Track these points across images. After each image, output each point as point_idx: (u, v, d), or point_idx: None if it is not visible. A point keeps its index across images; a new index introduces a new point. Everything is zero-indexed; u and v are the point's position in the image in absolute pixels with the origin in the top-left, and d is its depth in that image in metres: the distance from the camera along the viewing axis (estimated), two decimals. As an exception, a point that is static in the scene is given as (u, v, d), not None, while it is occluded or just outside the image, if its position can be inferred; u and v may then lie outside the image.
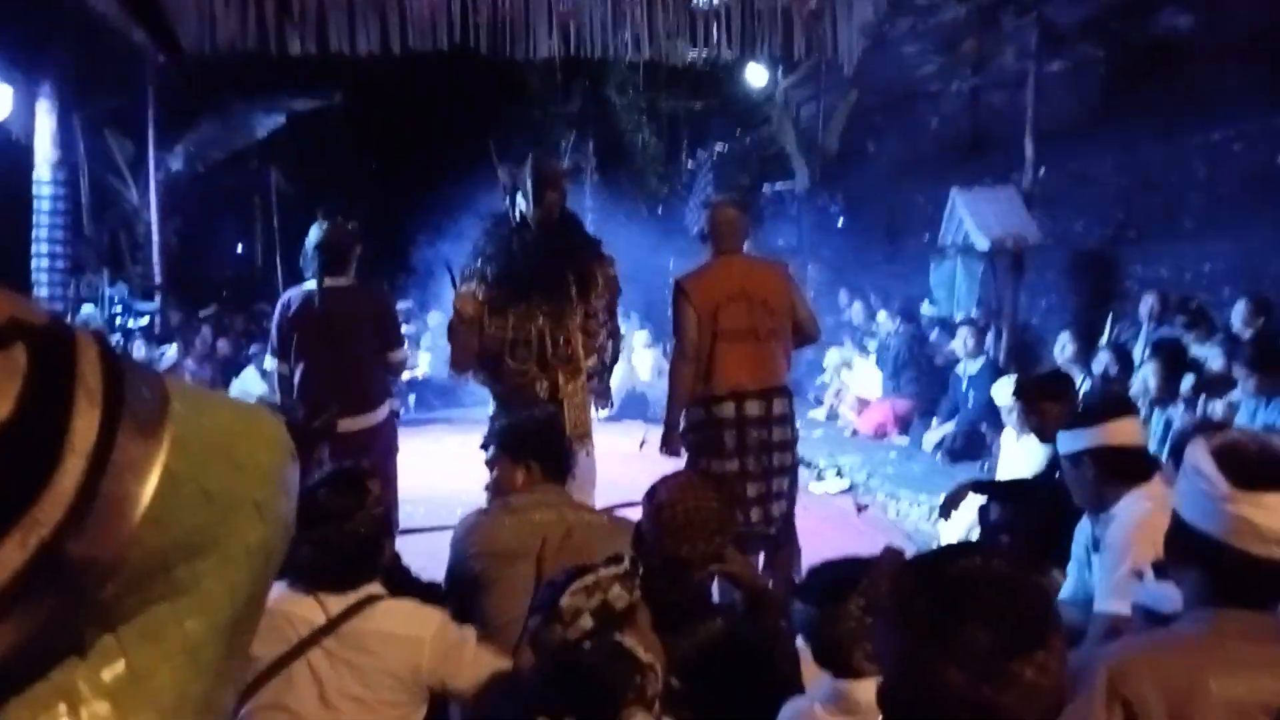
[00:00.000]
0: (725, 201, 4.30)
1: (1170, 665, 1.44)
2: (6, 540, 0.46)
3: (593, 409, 4.23)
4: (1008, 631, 1.02)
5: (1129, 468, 2.48)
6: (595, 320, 4.07)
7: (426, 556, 3.59)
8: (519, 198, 4.02)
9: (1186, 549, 1.53)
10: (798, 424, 4.13)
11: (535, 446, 2.82)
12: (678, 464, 3.77)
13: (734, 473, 3.76)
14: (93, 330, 0.56)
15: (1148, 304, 7.06)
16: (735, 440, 3.78)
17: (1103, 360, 6.18)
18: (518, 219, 4.03)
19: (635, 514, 2.42)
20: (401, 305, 7.88)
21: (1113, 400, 3.07)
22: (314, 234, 4.25)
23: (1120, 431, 2.52)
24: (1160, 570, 1.89)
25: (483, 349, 4.00)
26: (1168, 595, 1.75)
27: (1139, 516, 2.32)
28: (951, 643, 1.02)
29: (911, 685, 1.07)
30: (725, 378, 3.79)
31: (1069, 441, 2.61)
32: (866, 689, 1.65)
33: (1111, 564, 2.36)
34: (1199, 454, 1.49)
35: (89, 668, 0.54)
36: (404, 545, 4.12)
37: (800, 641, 2.12)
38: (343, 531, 2.08)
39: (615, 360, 4.43)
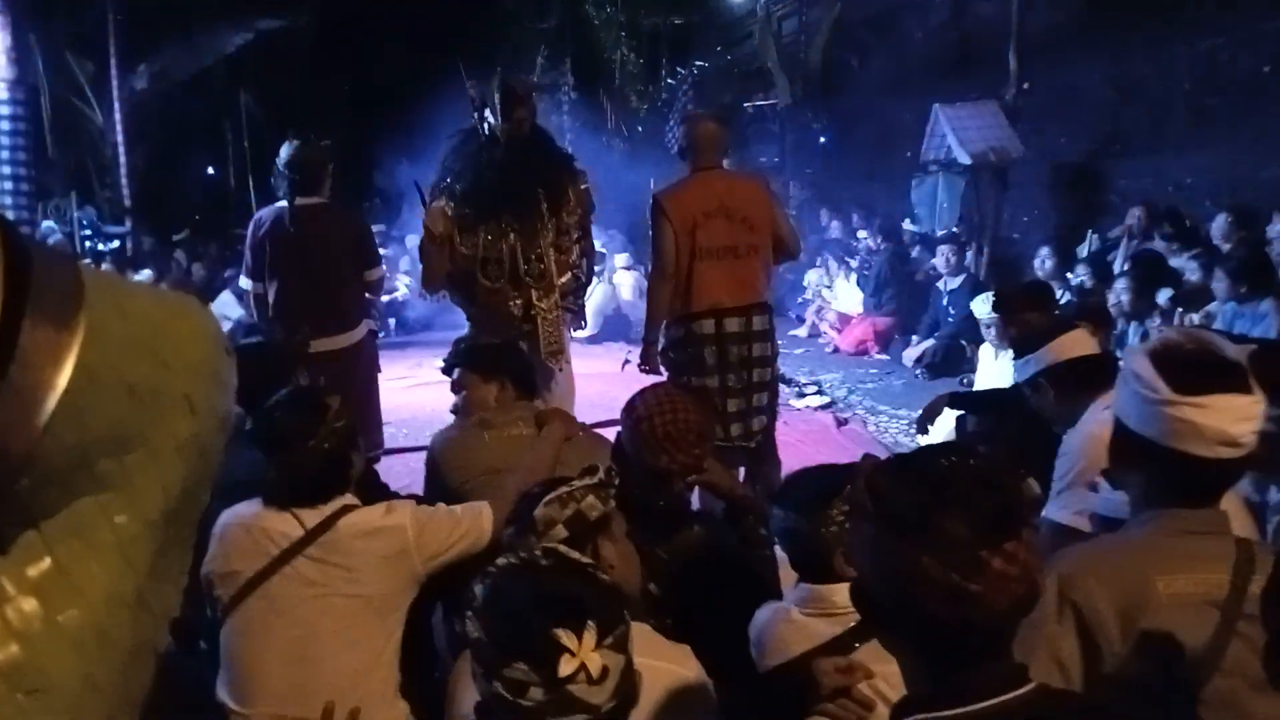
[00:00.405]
0: (704, 115, 4.20)
1: (1117, 568, 1.46)
2: None
3: (567, 329, 4.20)
4: (978, 521, 1.02)
5: (1087, 378, 2.48)
6: (568, 237, 3.99)
7: (410, 475, 3.60)
8: (487, 113, 3.92)
9: (1130, 454, 1.53)
10: (779, 341, 4.11)
11: (506, 364, 2.82)
12: (658, 381, 3.77)
13: (714, 388, 3.76)
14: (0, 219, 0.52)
15: (1134, 216, 7.03)
16: (715, 356, 3.77)
17: (1080, 273, 6.18)
18: (486, 135, 3.93)
19: (616, 433, 2.42)
20: (376, 229, 7.78)
21: (1059, 320, 3.07)
22: (285, 152, 4.15)
23: (1069, 345, 2.53)
24: (1110, 478, 1.91)
25: (454, 267, 3.94)
26: (1123, 503, 1.77)
27: (1093, 426, 2.33)
28: (924, 532, 1.03)
29: (884, 574, 1.08)
30: (704, 295, 3.76)
31: (1023, 370, 2.63)
32: (843, 591, 1.66)
33: (1060, 472, 2.39)
34: (1137, 360, 1.49)
35: (13, 563, 0.51)
36: (387, 466, 4.16)
37: (778, 549, 2.14)
38: (305, 450, 2.08)
39: (590, 278, 4.38)
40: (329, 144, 4.33)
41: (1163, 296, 5.46)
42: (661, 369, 3.97)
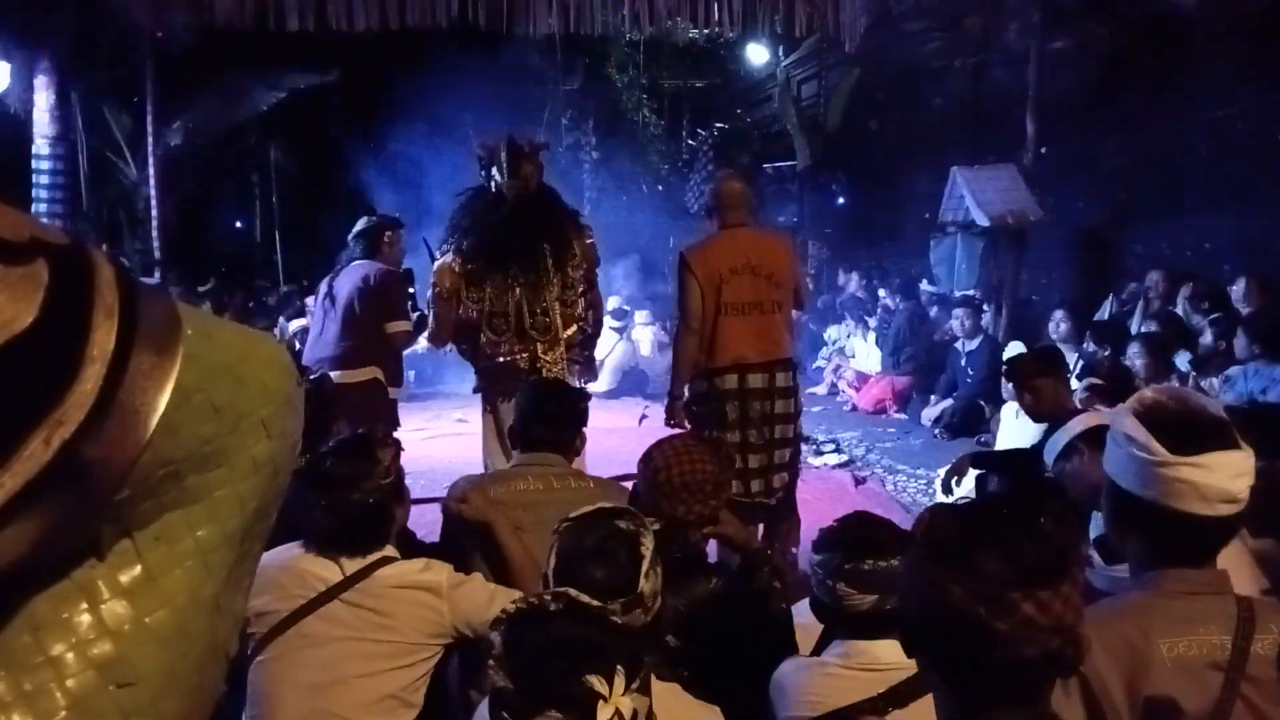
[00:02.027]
0: (730, 174, 4.30)
1: (1121, 634, 1.45)
2: (32, 438, 0.48)
3: (576, 380, 4.24)
4: (1017, 564, 1.03)
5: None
6: (573, 291, 4.06)
7: (428, 526, 3.62)
8: (494, 171, 4.01)
9: (1127, 516, 1.53)
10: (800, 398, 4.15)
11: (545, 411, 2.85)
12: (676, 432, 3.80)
13: (735, 443, 3.79)
14: (110, 254, 0.58)
15: (1153, 280, 7.07)
16: (737, 411, 3.81)
17: (1090, 338, 6.20)
18: (493, 192, 4.03)
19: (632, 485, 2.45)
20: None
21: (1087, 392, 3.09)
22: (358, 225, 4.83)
23: (1086, 419, 2.56)
24: (1104, 549, 1.90)
25: (461, 321, 4.02)
26: (1115, 576, 1.77)
27: None
28: (960, 563, 1.04)
29: (916, 599, 1.09)
30: (728, 350, 3.81)
31: (1053, 451, 2.64)
32: (886, 647, 1.65)
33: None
34: (1127, 421, 1.49)
35: (108, 568, 0.56)
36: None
37: (795, 605, 2.15)
38: (350, 499, 2.12)
39: (597, 331, 4.42)
40: (394, 218, 5.00)
41: (1182, 360, 5.46)
42: (685, 423, 4.01)
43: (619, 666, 1.21)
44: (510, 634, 1.30)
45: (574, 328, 4.10)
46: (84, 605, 0.56)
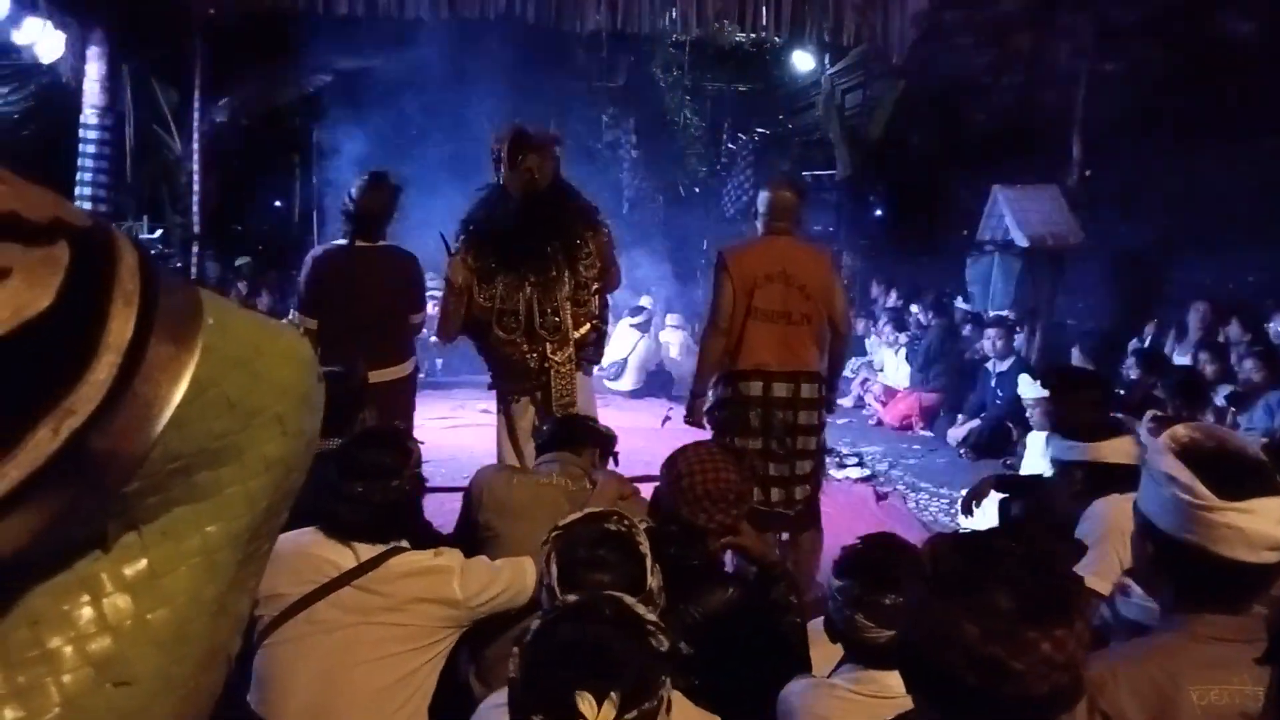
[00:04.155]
0: (783, 182, 4.24)
1: (1148, 675, 1.41)
2: (40, 426, 0.47)
3: (589, 375, 4.21)
4: (1031, 600, 1.02)
5: (1117, 482, 2.47)
6: (585, 290, 3.98)
7: (445, 515, 3.63)
8: (498, 163, 3.96)
9: (1164, 558, 1.49)
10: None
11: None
12: (700, 438, 3.78)
13: (756, 450, 3.77)
14: (134, 239, 0.57)
15: (1198, 311, 6.95)
16: (760, 419, 3.79)
17: (1129, 365, 6.11)
18: (502, 186, 3.98)
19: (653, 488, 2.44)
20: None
21: (1113, 420, 3.05)
22: (355, 191, 4.27)
23: (1114, 450, 2.53)
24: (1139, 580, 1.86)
25: (473, 318, 3.98)
26: (1151, 611, 1.73)
27: (1117, 515, 2.30)
28: (972, 599, 1.03)
29: (924, 635, 1.07)
30: (751, 354, 3.80)
31: (1063, 451, 2.63)
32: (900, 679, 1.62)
33: (1080, 533, 2.38)
34: (1168, 462, 1.44)
35: (112, 562, 0.55)
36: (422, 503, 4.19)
37: (812, 621, 2.12)
38: (389, 488, 2.15)
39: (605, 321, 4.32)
40: (398, 187, 4.40)
41: (1220, 395, 5.37)
42: (705, 424, 3.99)
43: (614, 693, 1.19)
44: (544, 624, 1.29)
45: (587, 327, 4.04)
46: (85, 599, 0.54)
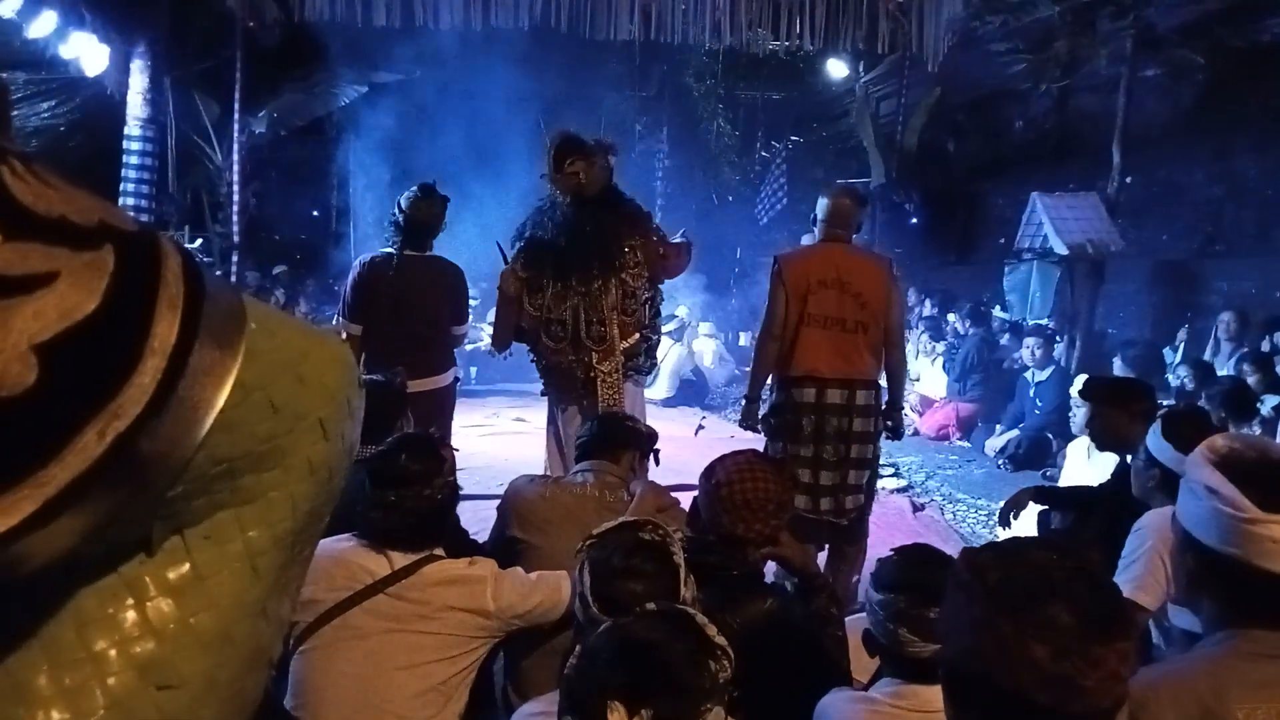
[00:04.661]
0: (842, 189, 4.21)
1: (1192, 691, 1.38)
2: (87, 429, 0.47)
3: (639, 385, 4.21)
4: (1092, 616, 1.02)
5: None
6: (634, 300, 3.98)
7: (479, 523, 3.64)
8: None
9: (1205, 573, 1.45)
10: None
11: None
12: (735, 447, 3.76)
13: (807, 458, 3.74)
14: (178, 244, 0.57)
15: (1224, 322, 6.83)
16: (813, 426, 3.75)
17: (1180, 375, 5.99)
18: (552, 196, 4.01)
19: (689, 497, 2.43)
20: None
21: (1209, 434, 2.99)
22: (404, 202, 4.29)
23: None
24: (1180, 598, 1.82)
25: (524, 327, 4.03)
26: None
27: (1167, 528, 2.27)
28: (1034, 618, 1.02)
29: (987, 656, 1.05)
30: (804, 360, 3.77)
31: (1157, 445, 2.58)
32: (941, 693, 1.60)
33: (1131, 547, 2.38)
34: (1208, 473, 1.41)
35: (156, 565, 0.55)
36: (456, 510, 4.22)
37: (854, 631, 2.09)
38: (422, 495, 2.16)
39: (657, 329, 4.31)
40: (447, 198, 4.41)
41: (1268, 405, 5.26)
42: (759, 429, 3.98)
43: (646, 710, 1.18)
44: (615, 626, 1.29)
45: (636, 336, 4.04)
46: (130, 602, 0.54)
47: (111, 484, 0.48)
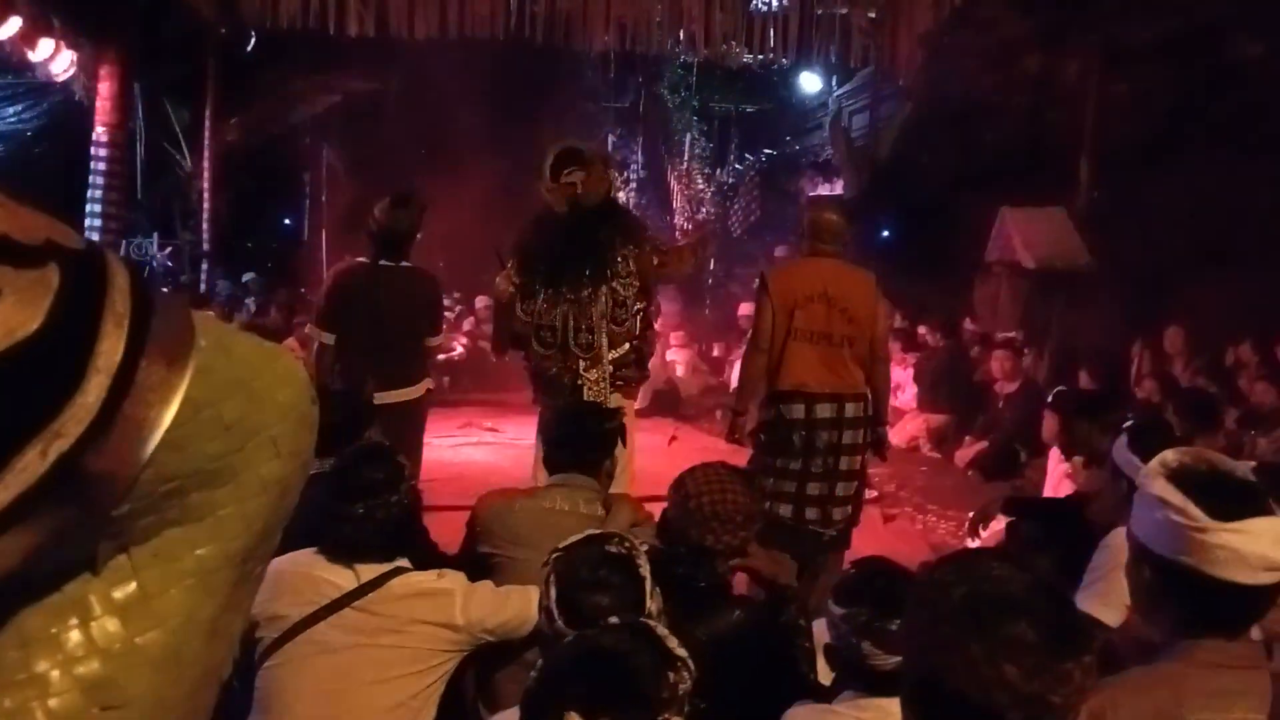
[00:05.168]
0: (826, 203, 4.26)
1: (1149, 701, 1.40)
2: (29, 449, 0.47)
3: (629, 398, 4.23)
4: (1055, 632, 1.03)
5: None
6: (624, 309, 4.01)
7: (451, 534, 3.61)
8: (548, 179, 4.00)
9: (1161, 582, 1.47)
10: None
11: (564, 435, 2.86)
12: (706, 459, 3.76)
13: (796, 470, 3.74)
14: (126, 261, 0.57)
15: (1188, 335, 6.94)
16: (803, 441, 3.75)
17: (1145, 388, 6.07)
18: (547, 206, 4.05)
19: (661, 509, 2.42)
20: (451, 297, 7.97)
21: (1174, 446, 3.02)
22: (378, 211, 4.25)
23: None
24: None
25: (515, 333, 4.07)
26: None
27: None
28: (1002, 637, 1.03)
29: (958, 676, 1.06)
30: (791, 374, 3.77)
31: (1124, 459, 2.60)
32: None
33: (1097, 562, 2.37)
34: (1159, 485, 1.44)
35: (101, 584, 0.54)
36: (427, 522, 4.18)
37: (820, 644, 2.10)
38: (390, 503, 2.14)
39: (650, 346, 4.34)
40: (423, 208, 4.38)
41: (1231, 417, 5.33)
42: (747, 443, 3.99)
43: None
44: (580, 638, 1.29)
45: (626, 346, 4.05)
46: (74, 621, 0.53)
47: (55, 503, 0.47)
